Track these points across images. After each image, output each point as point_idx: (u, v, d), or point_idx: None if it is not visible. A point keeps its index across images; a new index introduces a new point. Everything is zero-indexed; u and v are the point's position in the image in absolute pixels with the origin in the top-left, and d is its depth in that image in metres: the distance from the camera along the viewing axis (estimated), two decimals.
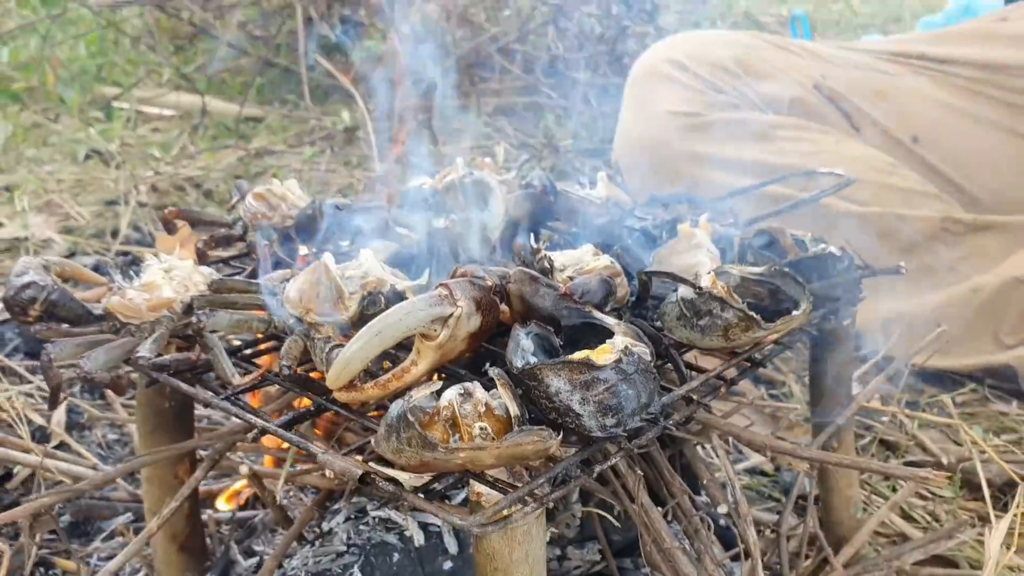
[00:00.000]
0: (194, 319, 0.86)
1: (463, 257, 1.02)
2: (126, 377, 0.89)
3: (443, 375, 0.82)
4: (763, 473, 1.42)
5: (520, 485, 0.68)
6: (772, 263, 0.94)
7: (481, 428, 0.68)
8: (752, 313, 0.84)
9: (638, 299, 0.91)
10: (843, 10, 4.90)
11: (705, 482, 1.03)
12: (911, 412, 1.48)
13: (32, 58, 3.43)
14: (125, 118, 3.19)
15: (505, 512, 0.67)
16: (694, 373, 0.85)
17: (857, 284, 1.01)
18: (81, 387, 1.60)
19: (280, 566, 1.07)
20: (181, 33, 3.50)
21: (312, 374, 0.85)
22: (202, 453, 1.12)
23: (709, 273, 0.88)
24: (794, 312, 0.87)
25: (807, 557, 1.14)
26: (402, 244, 1.02)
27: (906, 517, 1.30)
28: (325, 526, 1.08)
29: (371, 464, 0.70)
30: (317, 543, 1.07)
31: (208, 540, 1.19)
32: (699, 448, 1.09)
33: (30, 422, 1.46)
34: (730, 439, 1.17)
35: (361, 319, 0.82)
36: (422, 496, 0.68)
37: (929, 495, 1.35)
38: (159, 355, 0.86)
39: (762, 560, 0.98)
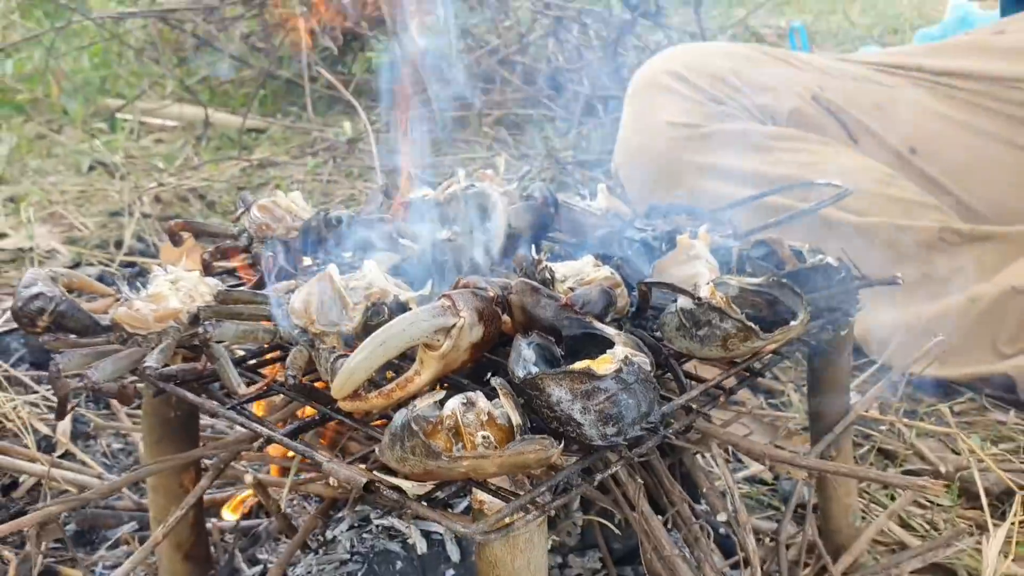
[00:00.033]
0: (200, 329, 0.86)
1: (465, 268, 1.03)
2: (132, 387, 0.90)
3: (446, 385, 0.83)
4: (762, 482, 1.42)
5: (522, 493, 0.69)
6: (770, 274, 0.95)
7: (484, 437, 0.68)
8: (750, 323, 0.84)
9: (638, 310, 0.92)
10: (841, 22, 4.92)
11: (705, 490, 1.03)
12: (909, 421, 1.49)
13: (36, 70, 3.45)
14: (129, 129, 3.20)
15: (507, 520, 0.68)
16: (693, 383, 0.86)
17: (855, 294, 1.01)
18: (86, 397, 1.61)
19: (284, 574, 1.08)
20: (184, 45, 3.53)
21: (317, 384, 0.86)
22: (207, 462, 1.13)
23: (708, 284, 0.89)
24: (792, 322, 0.87)
25: (806, 565, 1.14)
26: (405, 255, 1.03)
27: (904, 526, 1.31)
28: (329, 534, 1.09)
29: (375, 472, 0.71)
30: (321, 551, 1.07)
31: (213, 548, 1.20)
32: (699, 457, 1.10)
33: (36, 431, 1.47)
34: (729, 448, 1.18)
35: (365, 330, 0.83)
36: (425, 504, 0.69)
37: (927, 504, 1.35)
38: (166, 365, 0.87)
39: (761, 568, 0.98)
